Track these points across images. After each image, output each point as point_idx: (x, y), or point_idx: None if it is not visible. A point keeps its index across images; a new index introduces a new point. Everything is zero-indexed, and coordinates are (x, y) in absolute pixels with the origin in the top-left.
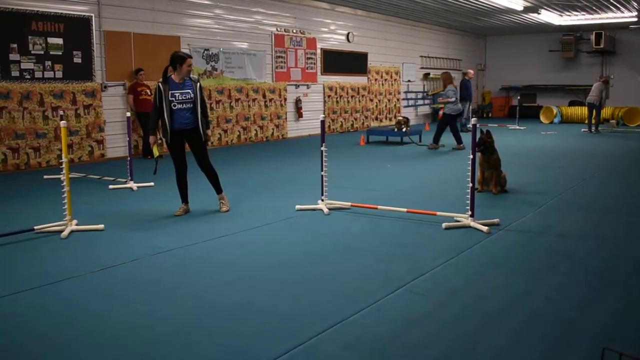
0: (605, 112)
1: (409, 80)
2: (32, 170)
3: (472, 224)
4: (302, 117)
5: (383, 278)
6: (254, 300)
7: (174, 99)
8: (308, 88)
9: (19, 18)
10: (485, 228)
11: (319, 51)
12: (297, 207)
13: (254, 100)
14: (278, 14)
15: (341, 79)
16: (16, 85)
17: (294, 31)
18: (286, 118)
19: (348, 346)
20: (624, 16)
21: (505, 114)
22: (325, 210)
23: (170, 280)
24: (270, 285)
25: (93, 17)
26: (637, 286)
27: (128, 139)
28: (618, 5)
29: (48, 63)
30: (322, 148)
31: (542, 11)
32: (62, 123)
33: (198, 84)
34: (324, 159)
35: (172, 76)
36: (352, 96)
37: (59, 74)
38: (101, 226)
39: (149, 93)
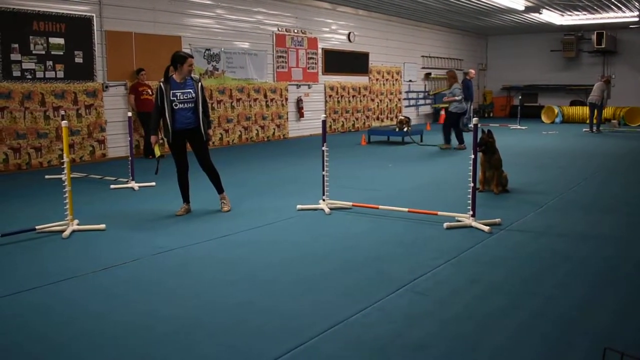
0: (607, 112)
1: (410, 80)
2: (34, 170)
3: (474, 223)
4: (303, 117)
5: (384, 278)
6: (255, 300)
7: (175, 98)
8: (309, 88)
9: (20, 18)
10: (486, 228)
11: (320, 51)
12: (299, 207)
13: (255, 100)
14: (279, 13)
15: (342, 78)
16: (17, 85)
17: (295, 31)
18: (287, 118)
19: (349, 346)
20: (625, 16)
21: (507, 113)
22: (327, 210)
23: (171, 280)
24: (271, 285)
25: (94, 17)
26: (638, 286)
27: (129, 138)
28: (619, 5)
29: (49, 63)
30: (324, 148)
31: (544, 11)
32: (64, 123)
33: (199, 83)
34: (325, 158)
35: (174, 76)
36: (353, 96)
37: (60, 74)
38: (102, 226)
39: (150, 93)
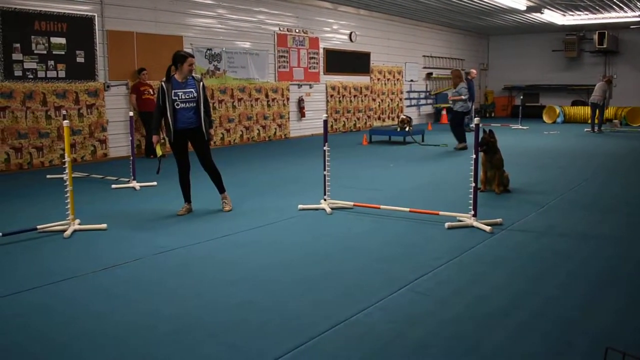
0: (609, 112)
1: (411, 80)
2: (35, 169)
3: (475, 223)
4: (304, 116)
5: (386, 277)
6: (257, 299)
7: (177, 98)
8: (311, 88)
9: (22, 18)
10: (487, 228)
11: (321, 51)
12: (300, 206)
13: (256, 99)
14: (281, 13)
15: (344, 78)
16: (19, 84)
17: (297, 31)
18: (289, 118)
19: (350, 345)
20: (627, 16)
21: (508, 113)
22: (328, 209)
23: (172, 279)
24: (272, 284)
25: (96, 17)
26: (639, 286)
27: (131, 138)
28: (621, 5)
29: (51, 63)
30: (325, 148)
31: (545, 11)
32: (65, 122)
33: (201, 83)
34: (326, 158)
35: (175, 75)
36: (354, 96)
37: (62, 74)
38: (104, 226)
39: (152, 92)
